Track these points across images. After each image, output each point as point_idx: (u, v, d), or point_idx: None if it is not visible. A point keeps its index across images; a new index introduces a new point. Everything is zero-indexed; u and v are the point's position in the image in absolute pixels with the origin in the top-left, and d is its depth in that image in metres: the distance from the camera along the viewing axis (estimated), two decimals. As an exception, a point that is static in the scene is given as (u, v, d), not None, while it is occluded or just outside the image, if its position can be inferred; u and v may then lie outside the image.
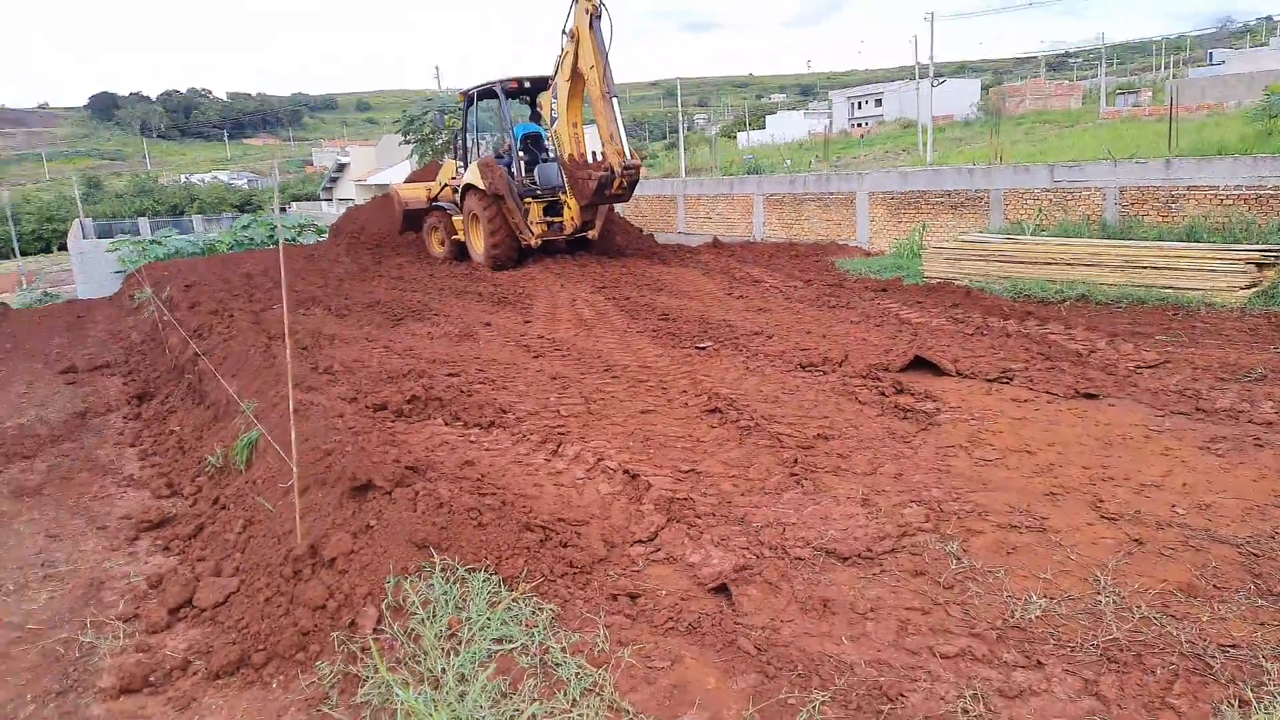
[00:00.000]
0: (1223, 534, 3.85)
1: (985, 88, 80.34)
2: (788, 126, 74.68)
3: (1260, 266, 8.74)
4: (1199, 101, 38.75)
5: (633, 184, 13.64)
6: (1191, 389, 5.99)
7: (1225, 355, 6.78)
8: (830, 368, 6.85)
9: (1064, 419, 5.53)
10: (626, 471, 4.58)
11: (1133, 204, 11.59)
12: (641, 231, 18.69)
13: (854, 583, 3.56)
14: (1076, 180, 12.26)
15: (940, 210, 14.19)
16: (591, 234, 14.75)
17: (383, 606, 3.30)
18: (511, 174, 14.47)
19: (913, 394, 6.10)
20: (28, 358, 11.13)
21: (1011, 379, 6.40)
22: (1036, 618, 3.23)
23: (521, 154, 14.93)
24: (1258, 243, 9.67)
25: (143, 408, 8.09)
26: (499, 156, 15.05)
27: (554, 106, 14.09)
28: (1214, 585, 3.41)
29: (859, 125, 77.01)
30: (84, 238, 30.34)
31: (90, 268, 25.09)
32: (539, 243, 14.39)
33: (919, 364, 6.87)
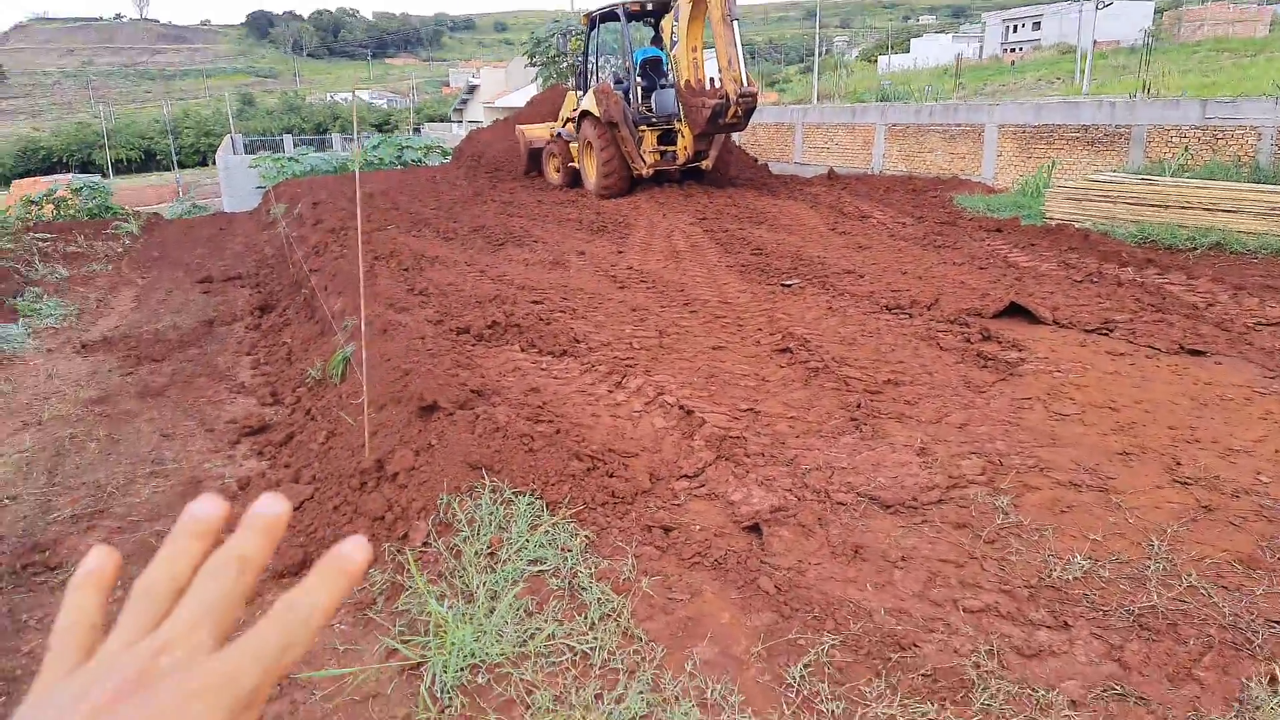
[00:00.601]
0: (1307, 508, 3.60)
1: (1159, 11, 73.16)
2: (934, 51, 70.76)
3: None
4: None
5: (749, 113, 13.25)
6: (1317, 351, 5.51)
7: (1367, 315, 6.17)
8: (918, 311, 6.64)
9: (1160, 375, 5.21)
10: (682, 407, 4.65)
11: (1294, 142, 10.48)
12: (756, 161, 18.27)
13: (892, 531, 3.55)
14: (1230, 117, 11.15)
15: (1075, 146, 13.23)
16: (705, 164, 14.53)
17: (431, 522, 3.54)
18: (628, 100, 14.35)
19: (1000, 342, 5.86)
20: (172, 266, 12.10)
21: (1112, 330, 6.04)
22: (1075, 579, 3.14)
23: (640, 80, 14.75)
24: None
25: (263, 319, 8.70)
26: (618, 82, 14.93)
27: (675, 30, 13.80)
28: (1278, 558, 3.21)
29: (1012, 51, 72.27)
30: (233, 153, 32.24)
31: (235, 182, 26.75)
32: (651, 172, 14.29)
33: (1015, 311, 6.57)
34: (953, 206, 12.72)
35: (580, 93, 15.50)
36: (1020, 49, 71.17)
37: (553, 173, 16.46)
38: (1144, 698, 2.52)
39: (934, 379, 5.27)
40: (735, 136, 16.00)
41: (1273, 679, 2.51)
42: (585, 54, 15.84)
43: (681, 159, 14.13)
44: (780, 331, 6.15)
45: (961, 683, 2.63)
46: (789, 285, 7.66)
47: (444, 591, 3.16)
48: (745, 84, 13.02)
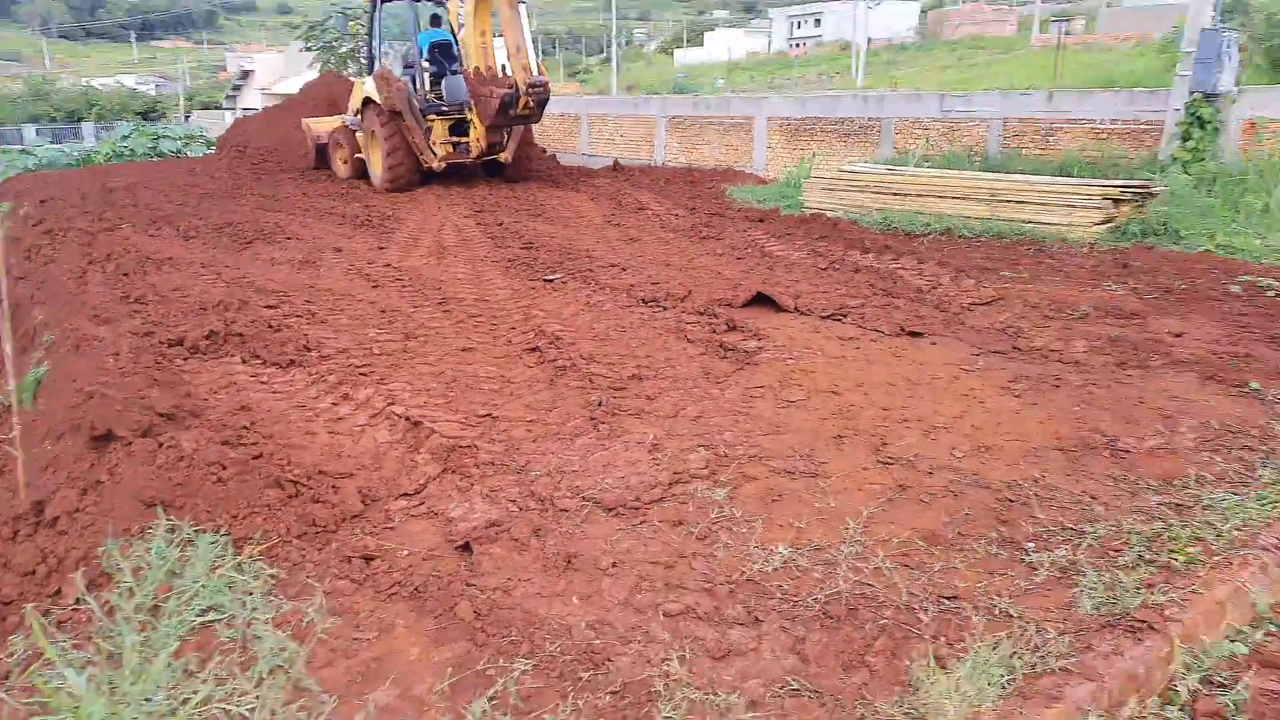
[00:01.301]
0: (990, 479, 3.88)
1: (924, 10, 79.84)
2: (726, 44, 73.38)
3: (1117, 202, 8.86)
4: (1127, 32, 38.98)
5: (541, 104, 12.91)
6: (1015, 327, 6.05)
7: (1060, 292, 6.87)
8: (672, 303, 6.71)
9: (881, 358, 5.52)
10: (409, 418, 4.38)
11: (1014, 136, 11.62)
12: (544, 152, 18.06)
13: (610, 535, 3.47)
14: (963, 111, 12.21)
15: (834, 138, 14.04)
16: (504, 156, 14.05)
17: (83, 575, 3.08)
18: (415, 87, 13.64)
19: (743, 331, 6.01)
20: None
21: (845, 316, 6.37)
22: (775, 570, 3.19)
23: (429, 66, 14.03)
24: (1125, 177, 9.81)
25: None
26: (407, 67, 14.17)
27: (461, 13, 13.22)
28: (958, 533, 3.42)
29: (797, 46, 76.18)
30: (-45, 146, 28.07)
31: (-46, 179, 23.27)
32: (443, 165, 13.61)
33: (763, 300, 6.79)
34: (725, 198, 13.13)
35: (367, 80, 14.64)
36: (804, 44, 75.44)
37: (340, 165, 15.42)
38: (818, 691, 2.57)
39: (677, 372, 5.31)
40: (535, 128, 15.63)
41: (937, 658, 2.63)
42: (370, 37, 14.94)
43: (475, 151, 13.60)
44: (533, 329, 6.01)
45: (649, 696, 2.57)
46: (551, 280, 7.54)
47: (90, 657, 2.74)
48: (536, 73, 12.76)
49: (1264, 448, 4.13)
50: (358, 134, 14.68)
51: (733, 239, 9.52)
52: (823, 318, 6.40)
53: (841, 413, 4.69)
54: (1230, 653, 2.73)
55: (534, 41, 13.05)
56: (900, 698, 2.51)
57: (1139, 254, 7.91)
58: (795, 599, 3.01)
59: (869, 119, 13.38)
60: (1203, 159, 9.20)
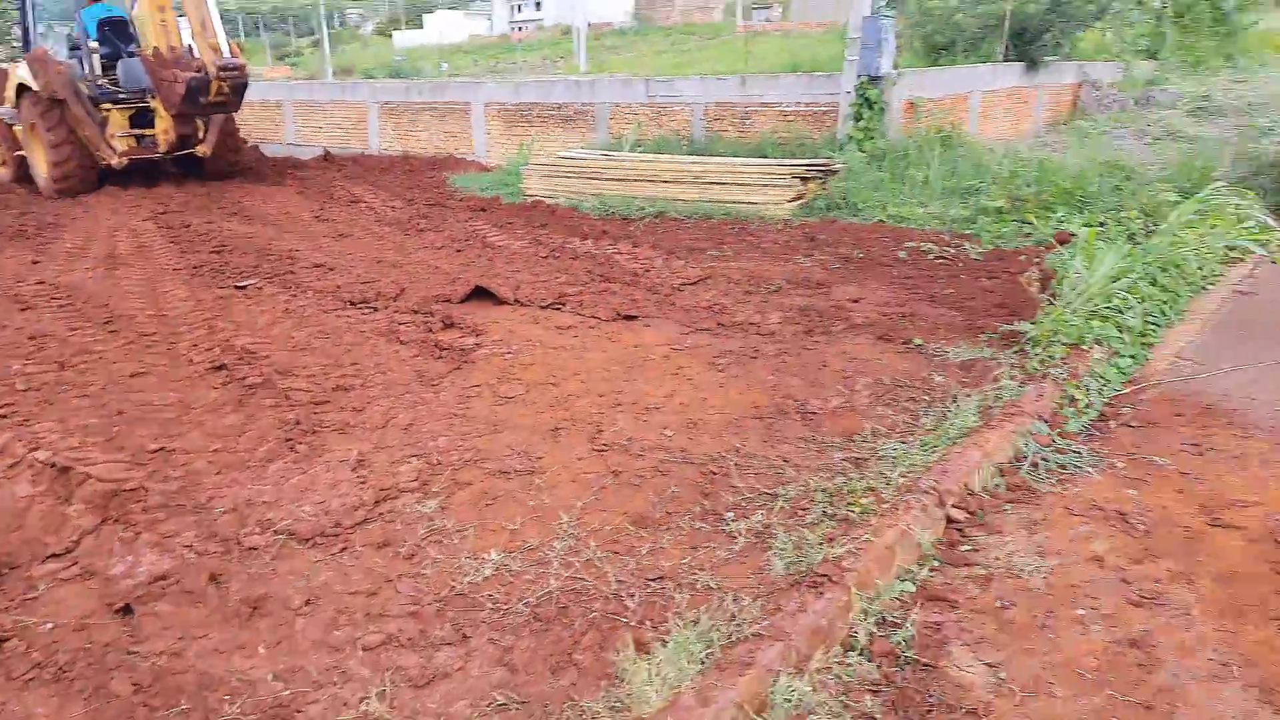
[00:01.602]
0: (696, 454, 4.02)
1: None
2: (448, 26, 71.50)
3: (805, 180, 9.64)
4: (819, 19, 42.63)
5: (239, 89, 11.53)
6: (719, 304, 6.37)
7: (759, 268, 7.34)
8: (384, 303, 6.36)
9: (599, 344, 5.58)
10: (55, 465, 3.75)
11: (715, 120, 12.30)
12: (246, 142, 16.48)
13: (305, 570, 3.18)
14: (669, 95, 12.72)
15: (551, 124, 14.09)
16: (202, 149, 12.46)
17: None
18: (84, 71, 11.74)
19: (461, 328, 5.82)
20: None
21: (564, 305, 6.38)
22: (486, 579, 3.07)
23: (97, 46, 12.10)
24: (811, 157, 10.70)
25: None
26: (74, 50, 12.16)
27: None
28: (666, 512, 3.50)
29: (519, 29, 75.90)
30: None
31: None
32: (125, 162, 11.83)
33: (483, 293, 6.63)
34: (446, 186, 12.75)
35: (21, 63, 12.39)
36: (525, 27, 75.49)
37: None
38: (525, 700, 2.49)
39: (388, 378, 5.01)
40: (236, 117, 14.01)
41: (639, 644, 2.64)
42: (23, 11, 12.67)
43: (164, 145, 11.99)
44: (220, 345, 5.41)
45: (343, 743, 2.35)
46: (245, 286, 6.86)
47: None
48: (228, 54, 11.46)
49: (926, 398, 4.64)
50: (15, 128, 12.55)
51: (453, 230, 9.25)
52: (542, 307, 6.36)
53: (560, 404, 4.67)
54: (901, 592, 3.01)
55: (236, 21, 11.73)
56: (606, 691, 2.50)
57: (825, 228, 8.68)
58: (506, 607, 2.91)
59: (583, 104, 13.58)
60: (873, 137, 10.27)
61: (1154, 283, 5.93)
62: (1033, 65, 13.59)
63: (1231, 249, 7.37)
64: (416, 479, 3.81)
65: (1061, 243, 7.71)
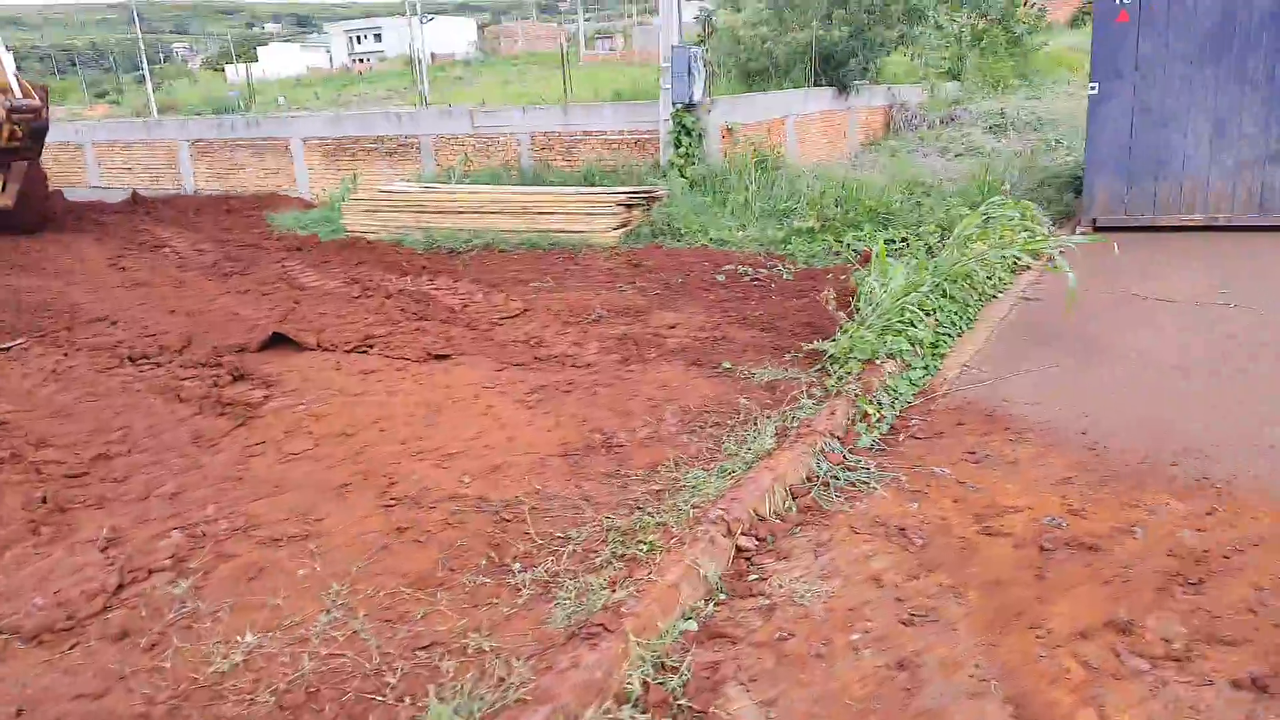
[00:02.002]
0: (493, 501, 3.84)
1: (481, 27, 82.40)
2: (283, 60, 69.11)
3: (630, 208, 9.70)
4: (654, 49, 43.53)
5: (37, 134, 10.51)
6: (538, 337, 6.25)
7: (580, 298, 7.28)
8: (168, 357, 5.87)
9: (405, 387, 5.33)
10: None
11: (542, 149, 12.24)
12: (59, 193, 15.03)
13: (26, 674, 2.78)
14: (494, 126, 12.57)
15: (375, 158, 13.65)
16: (2, 202, 11.24)
17: None
18: None
19: (251, 380, 5.43)
20: None
21: (372, 347, 6.08)
22: (235, 666, 2.78)
23: None
24: (637, 184, 10.80)
25: None
26: None
27: None
28: (449, 569, 3.30)
29: (360, 61, 74.51)
30: None
31: None
32: None
33: (283, 340, 6.24)
34: (265, 226, 12.11)
35: None
36: (368, 59, 74.01)
37: None
38: (258, 808, 2.23)
39: (160, 441, 4.58)
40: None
41: (396, 723, 2.43)
42: None
43: None
44: (-38, 418, 4.80)
45: None
46: (8, 348, 6.18)
47: None
48: (19, 94, 10.43)
49: (730, 422, 4.65)
50: None
51: (263, 272, 8.72)
52: (347, 351, 6.04)
53: (353, 456, 4.39)
54: (682, 632, 2.93)
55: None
56: (356, 785, 2.28)
57: (649, 254, 8.73)
58: (251, 697, 2.63)
59: (406, 137, 13.23)
60: (693, 163, 10.48)
61: (944, 295, 6.25)
62: (843, 89, 14.31)
63: (1019, 259, 7.92)
64: (173, 556, 3.45)
65: (866, 260, 8.06)
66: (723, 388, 5.17)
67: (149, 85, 40.92)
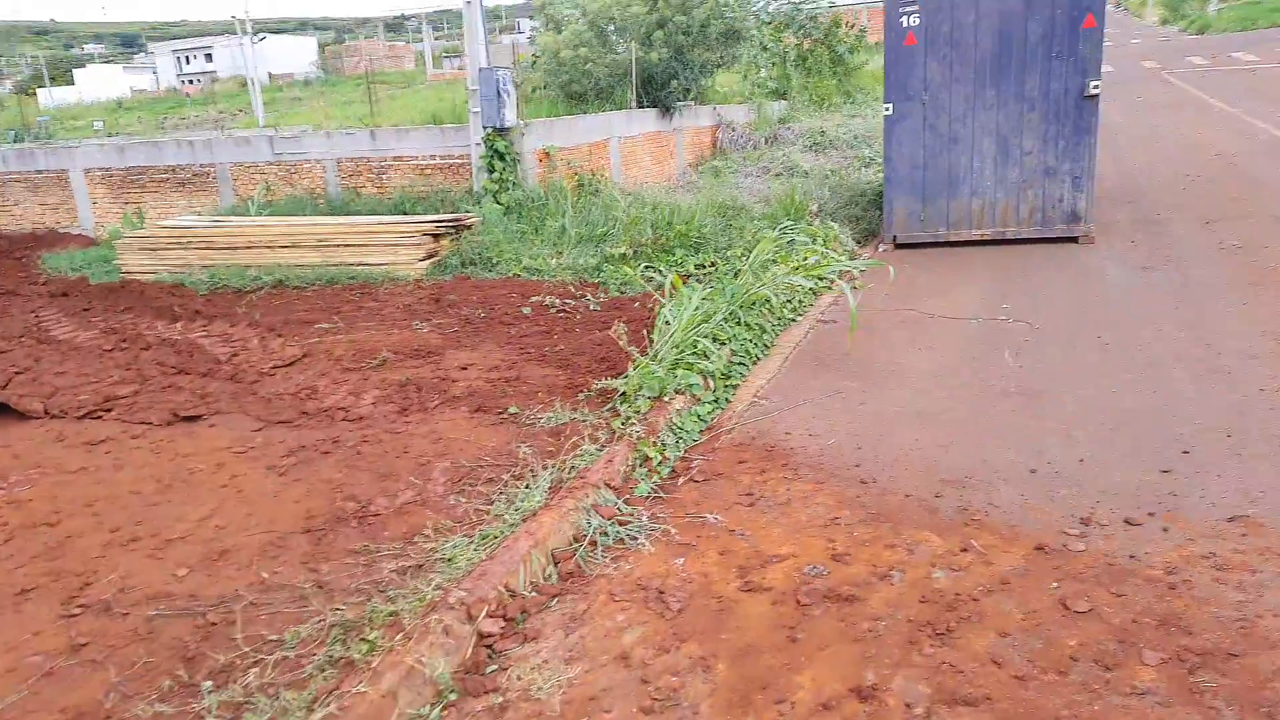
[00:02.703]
0: (205, 598, 3.32)
1: (323, 46, 79.30)
2: (103, 82, 64.47)
3: (437, 237, 9.22)
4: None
5: None
6: (311, 387, 5.70)
7: (370, 339, 6.75)
8: None
9: (137, 459, 4.67)
10: None
11: (350, 176, 11.56)
12: None
13: None
14: (297, 152, 11.79)
15: (167, 189, 12.53)
16: None
17: None
18: None
19: (-53, 462, 4.62)
20: None
21: (110, 410, 5.35)
22: None
23: None
24: (451, 211, 10.33)
25: None
26: None
27: None
28: (123, 696, 2.77)
29: (190, 82, 71.03)
30: None
31: None
32: None
33: (3, 408, 5.41)
34: (36, 268, 10.85)
35: None
36: (198, 80, 70.45)
37: None
38: None
39: None
40: None
41: None
42: None
43: None
44: None
45: None
46: None
47: None
48: None
49: (505, 477, 4.29)
50: None
51: (10, 324, 7.67)
52: (79, 418, 5.29)
53: (50, 551, 3.74)
54: (393, 749, 2.54)
55: None
56: None
57: (455, 286, 8.29)
58: None
59: (201, 165, 12.21)
60: (509, 188, 10.11)
61: (739, 322, 6.14)
62: (667, 111, 14.34)
63: (822, 279, 7.99)
64: None
65: (675, 287, 7.96)
66: (505, 436, 4.81)
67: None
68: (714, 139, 17.72)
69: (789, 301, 6.89)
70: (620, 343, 5.44)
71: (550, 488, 4.06)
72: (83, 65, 78.20)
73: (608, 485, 4.10)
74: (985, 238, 8.68)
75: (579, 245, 9.29)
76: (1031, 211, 8.48)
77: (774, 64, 23.11)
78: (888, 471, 4.13)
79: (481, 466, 4.45)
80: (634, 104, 13.59)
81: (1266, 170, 11.06)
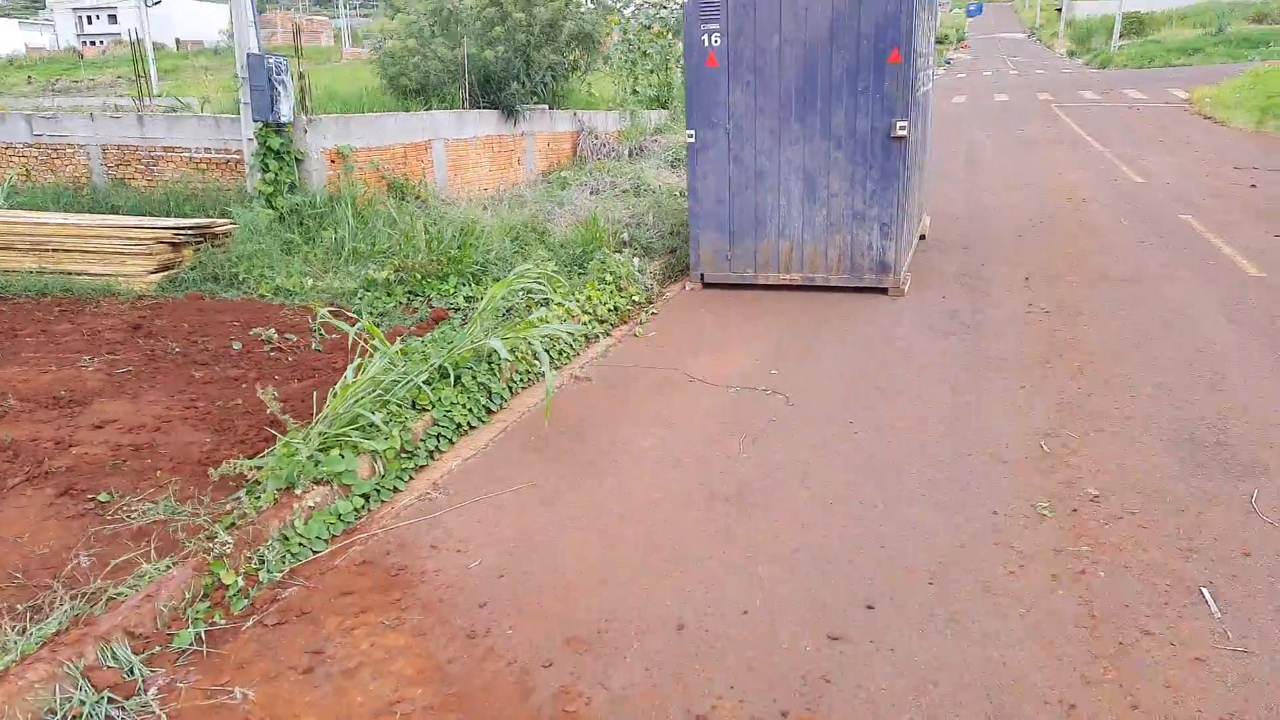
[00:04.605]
0: None
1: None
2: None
3: (176, 246, 7.96)
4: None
5: None
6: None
7: (14, 376, 5.52)
8: None
9: None
10: None
11: (118, 165, 10.13)
12: None
13: None
14: (58, 135, 10.27)
15: (-94, 163, 10.78)
16: None
17: None
18: None
19: None
20: None
21: None
22: None
23: None
24: (221, 213, 9.06)
25: None
26: None
27: None
28: None
29: (92, 44, 66.90)
30: None
31: None
32: None
33: None
34: None
35: None
36: (102, 42, 66.66)
37: None
38: None
39: None
40: None
41: None
42: None
43: None
44: None
45: None
46: None
47: None
48: None
49: (20, 607, 3.21)
50: None
51: None
52: None
53: None
54: None
55: None
56: None
57: (175, 308, 7.07)
58: None
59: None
60: (283, 192, 8.90)
61: (456, 381, 5.18)
62: (509, 113, 13.30)
63: (603, 320, 7.13)
64: None
65: (438, 321, 6.96)
66: (74, 536, 3.72)
67: None
68: (574, 146, 16.76)
69: (539, 354, 5.97)
70: (270, 409, 4.41)
71: (58, 632, 3.02)
72: (-28, 20, 72.88)
73: (130, 633, 3.07)
74: (794, 282, 7.98)
75: (354, 262, 8.18)
76: (840, 257, 7.82)
77: (653, 71, 22.29)
78: (511, 618, 3.24)
79: (5, 586, 3.36)
80: (466, 104, 12.49)
81: (1109, 220, 10.81)
